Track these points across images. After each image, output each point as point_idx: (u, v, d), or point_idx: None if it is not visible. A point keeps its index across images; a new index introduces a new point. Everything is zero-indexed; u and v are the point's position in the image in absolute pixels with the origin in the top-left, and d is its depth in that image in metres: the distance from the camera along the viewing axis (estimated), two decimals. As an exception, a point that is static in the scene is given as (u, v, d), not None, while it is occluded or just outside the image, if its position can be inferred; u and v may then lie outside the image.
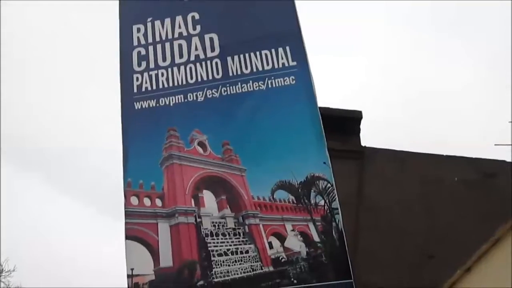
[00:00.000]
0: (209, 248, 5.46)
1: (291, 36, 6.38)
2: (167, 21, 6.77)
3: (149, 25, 6.77)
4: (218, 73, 6.32)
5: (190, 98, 6.22)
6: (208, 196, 5.80)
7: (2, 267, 17.81)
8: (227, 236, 5.56)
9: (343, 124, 8.23)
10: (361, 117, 8.88)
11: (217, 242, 5.52)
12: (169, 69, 6.43)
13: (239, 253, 5.46)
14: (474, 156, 8.94)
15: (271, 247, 5.47)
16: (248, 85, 6.17)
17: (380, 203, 8.33)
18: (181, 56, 6.51)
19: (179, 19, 6.77)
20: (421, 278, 7.52)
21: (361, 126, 8.99)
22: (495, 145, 8.33)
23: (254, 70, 6.25)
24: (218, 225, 5.61)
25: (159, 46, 6.61)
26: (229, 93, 6.18)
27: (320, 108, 5.98)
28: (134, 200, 5.70)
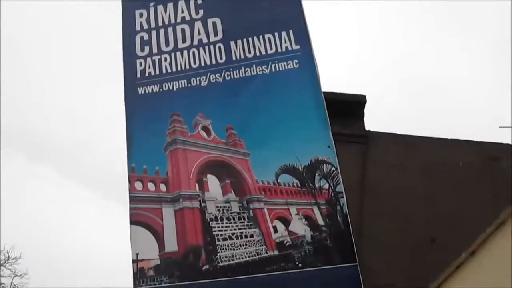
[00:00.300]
0: (213, 233, 5.48)
1: (294, 20, 6.35)
2: (170, 5, 6.74)
3: (151, 10, 6.74)
4: (221, 58, 6.30)
5: (193, 82, 6.21)
6: (212, 181, 5.81)
7: (8, 255, 17.85)
8: (232, 221, 5.58)
9: (347, 108, 8.19)
10: (365, 101, 8.81)
11: (222, 227, 5.53)
12: (172, 54, 6.41)
13: (243, 237, 5.48)
14: (478, 140, 8.90)
15: (275, 231, 5.48)
16: (252, 69, 6.15)
17: (384, 187, 8.30)
18: (184, 40, 6.48)
19: (181, 3, 6.73)
20: (425, 262, 7.52)
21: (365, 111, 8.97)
22: (500, 127, 8.30)
23: (258, 54, 6.22)
24: (223, 210, 5.63)
25: (162, 31, 6.59)
26: (232, 77, 6.16)
27: (324, 92, 5.96)
28: (138, 185, 5.72)
